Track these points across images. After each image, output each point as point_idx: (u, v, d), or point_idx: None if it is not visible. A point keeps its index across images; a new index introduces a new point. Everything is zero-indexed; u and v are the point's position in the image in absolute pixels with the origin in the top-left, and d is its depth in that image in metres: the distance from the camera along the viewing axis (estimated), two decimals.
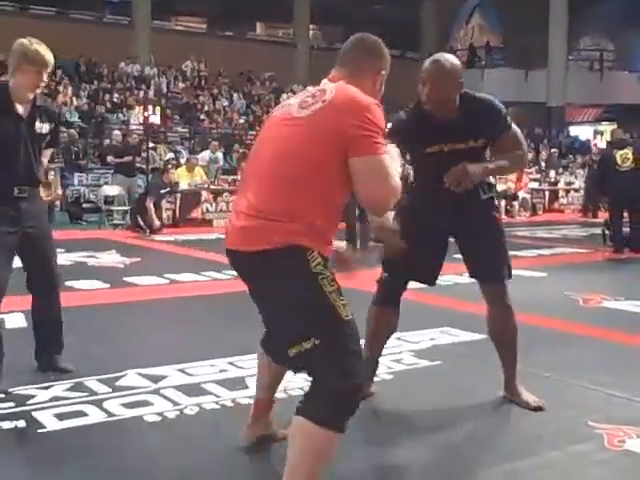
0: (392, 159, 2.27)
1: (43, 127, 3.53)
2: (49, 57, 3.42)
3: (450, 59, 3.07)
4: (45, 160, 3.70)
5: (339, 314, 2.12)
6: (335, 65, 2.42)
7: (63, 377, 3.55)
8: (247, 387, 3.46)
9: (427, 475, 2.66)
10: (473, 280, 3.39)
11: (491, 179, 3.36)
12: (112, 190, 12.41)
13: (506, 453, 2.83)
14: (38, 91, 3.48)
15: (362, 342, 2.25)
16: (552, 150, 20.77)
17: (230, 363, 3.84)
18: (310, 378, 2.17)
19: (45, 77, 3.45)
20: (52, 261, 3.65)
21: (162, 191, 11.34)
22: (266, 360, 2.68)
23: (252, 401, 3.21)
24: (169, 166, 11.94)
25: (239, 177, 14.46)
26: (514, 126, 3.26)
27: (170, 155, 14.55)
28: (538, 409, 3.26)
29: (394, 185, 2.16)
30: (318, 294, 2.11)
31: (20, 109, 3.44)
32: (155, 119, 13.93)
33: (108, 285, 6.31)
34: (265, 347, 2.65)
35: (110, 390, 3.40)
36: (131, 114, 16.71)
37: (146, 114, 13.81)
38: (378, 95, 2.38)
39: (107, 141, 14.09)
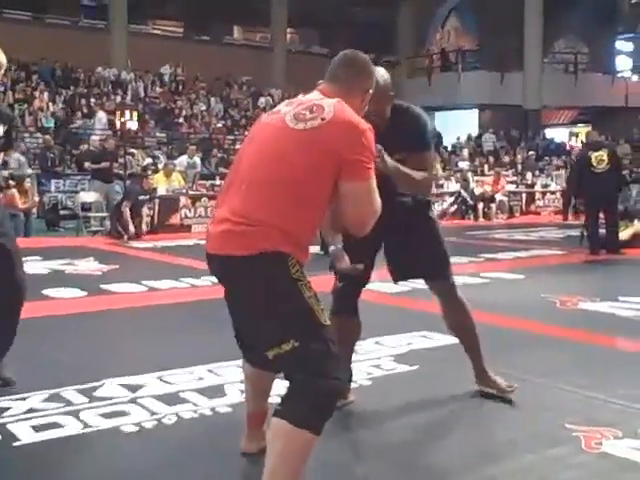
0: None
1: None
2: (1, 58, 3.37)
3: (381, 72, 3.06)
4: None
5: (318, 318, 2.17)
6: (325, 79, 2.46)
7: (40, 387, 3.51)
8: (225, 395, 3.44)
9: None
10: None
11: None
12: (89, 197, 12.31)
13: (483, 457, 2.83)
14: None
15: None
16: (529, 153, 20.91)
17: (209, 370, 3.82)
18: (287, 381, 2.19)
19: None
20: (11, 272, 3.48)
21: (140, 197, 11.27)
22: (250, 372, 2.68)
23: (231, 410, 3.25)
24: (148, 172, 11.88)
25: (217, 182, 14.44)
26: (432, 151, 3.29)
27: (148, 160, 14.49)
28: (512, 391, 3.42)
29: (376, 208, 2.27)
30: (298, 298, 2.17)
31: None
32: (132, 124, 13.87)
33: (85, 293, 6.26)
34: (245, 354, 2.65)
35: (87, 400, 3.36)
36: (97, 119, 16.57)
37: (123, 119, 13.74)
38: (362, 112, 2.43)
39: (84, 147, 13.99)
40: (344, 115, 2.24)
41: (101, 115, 16.11)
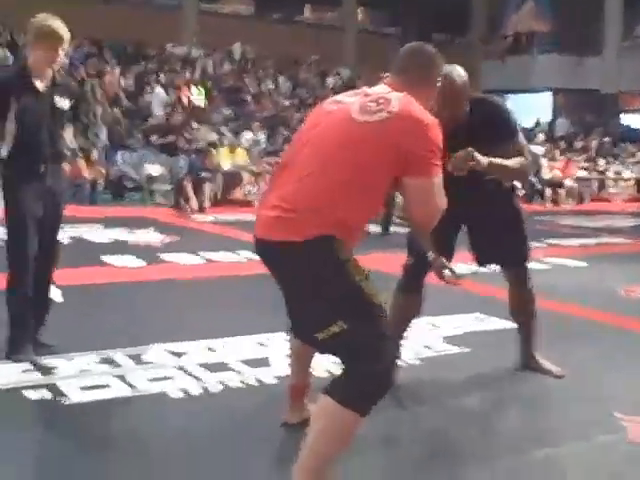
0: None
1: (63, 103, 3.53)
2: (63, 32, 3.42)
3: (459, 71, 3.08)
4: (68, 136, 3.69)
5: (369, 299, 2.13)
6: (391, 71, 2.42)
7: (89, 349, 3.56)
8: (270, 366, 3.45)
9: (444, 461, 2.65)
10: None
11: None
12: (154, 169, 12.48)
13: (530, 442, 2.80)
14: (56, 67, 3.49)
15: None
16: (605, 138, 20.32)
17: (258, 343, 3.84)
18: (339, 361, 2.19)
19: (61, 52, 3.44)
20: (57, 242, 3.63)
21: (202, 174, 11.33)
22: (297, 346, 2.69)
23: (276, 381, 3.25)
24: (211, 149, 11.96)
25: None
26: (521, 136, 3.32)
27: (214, 136, 14.58)
28: (561, 376, 3.46)
29: (440, 206, 2.25)
30: (346, 280, 2.13)
31: (39, 85, 3.45)
32: (199, 101, 13.97)
33: (144, 262, 6.34)
34: (294, 332, 2.64)
35: (134, 363, 3.42)
36: (155, 94, 16.70)
37: (190, 95, 13.85)
38: (429, 105, 2.37)
39: (151, 121, 14.17)
40: (411, 109, 2.20)
41: (158, 91, 16.22)
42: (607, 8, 22.96)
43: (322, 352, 2.41)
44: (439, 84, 2.46)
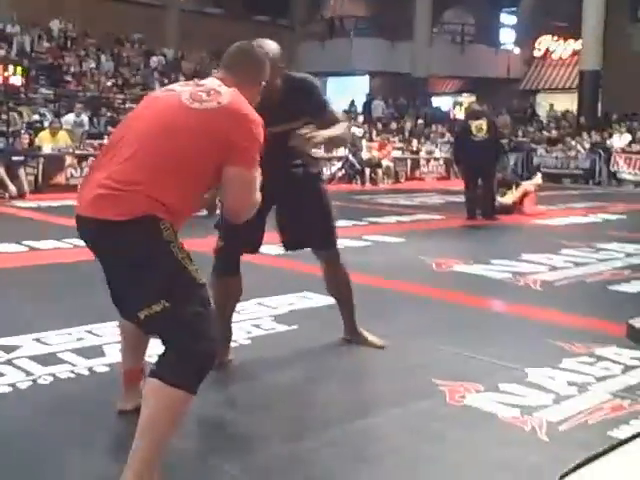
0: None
1: None
2: None
3: (271, 46, 3.18)
4: None
5: (191, 277, 2.21)
6: (221, 67, 2.55)
7: None
8: (104, 355, 3.46)
9: (278, 437, 2.73)
10: None
11: (316, 150, 3.60)
12: None
13: (353, 411, 2.97)
14: None
15: None
16: (418, 120, 21.37)
17: (88, 331, 3.81)
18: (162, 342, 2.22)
19: None
20: None
21: (14, 158, 10.83)
22: (128, 329, 2.69)
23: (109, 369, 3.27)
24: (22, 131, 11.44)
25: (106, 141, 14.03)
26: (330, 103, 3.51)
27: (35, 117, 13.93)
28: (384, 347, 3.71)
29: (256, 200, 2.38)
30: (169, 259, 2.20)
31: None
32: (16, 80, 13.27)
33: None
34: (121, 313, 2.66)
35: None
36: None
37: (6, 74, 13.13)
38: (255, 102, 2.51)
39: None
40: (239, 104, 2.33)
41: None
42: None
43: (146, 332, 2.46)
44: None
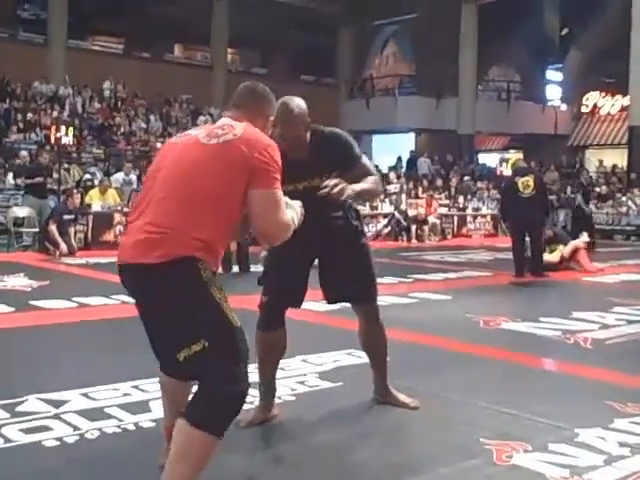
0: (288, 206, 2.50)
1: None
2: None
3: (297, 101, 3.22)
4: None
5: (228, 320, 2.28)
6: (230, 106, 2.67)
7: None
8: (150, 411, 3.47)
9: None
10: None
11: (362, 207, 3.58)
12: (22, 211, 12.13)
13: (399, 470, 2.92)
14: None
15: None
16: (465, 177, 21.38)
17: (134, 387, 3.84)
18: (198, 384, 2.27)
19: None
20: None
21: (65, 217, 11.11)
22: (166, 382, 2.72)
23: (154, 424, 3.28)
24: (74, 190, 11.79)
25: None
26: (364, 156, 3.48)
27: (87, 176, 14.32)
28: (416, 408, 3.60)
29: (286, 219, 2.43)
30: (208, 300, 2.27)
31: None
32: (67, 140, 13.71)
33: (13, 309, 6.19)
34: (161, 363, 2.69)
35: (9, 415, 3.36)
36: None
37: (58, 135, 13.58)
38: (266, 134, 2.59)
39: (17, 161, 13.76)
40: (253, 132, 2.45)
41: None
42: (462, 52, 24.25)
43: (183, 376, 2.47)
44: (275, 114, 2.75)
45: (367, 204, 14.53)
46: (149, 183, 2.48)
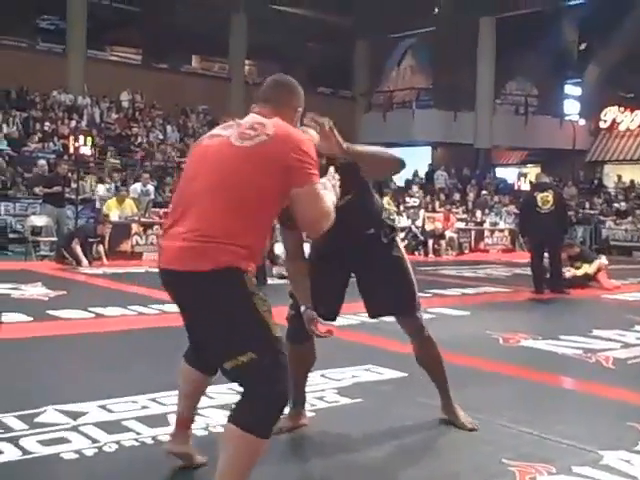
0: (325, 188, 2.51)
1: None
2: None
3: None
4: None
5: (272, 331, 2.34)
6: (258, 101, 2.67)
7: None
8: (169, 424, 3.43)
9: None
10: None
11: (395, 223, 3.57)
12: (40, 220, 12.20)
13: None
14: None
15: None
16: (482, 192, 21.32)
17: (152, 400, 3.82)
18: (241, 389, 2.34)
19: None
20: None
21: (90, 239, 11.12)
22: (188, 372, 2.84)
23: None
24: (104, 217, 11.93)
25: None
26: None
27: (105, 193, 14.32)
28: (473, 430, 3.55)
29: (327, 210, 2.45)
30: (254, 312, 2.32)
31: None
32: (86, 150, 13.79)
33: (31, 318, 6.19)
34: (191, 360, 2.81)
35: (27, 427, 3.34)
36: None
37: (76, 144, 13.66)
38: (294, 127, 2.62)
39: (36, 170, 13.84)
40: (285, 129, 2.46)
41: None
42: (479, 65, 24.22)
43: (230, 379, 2.50)
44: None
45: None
46: (185, 188, 2.49)
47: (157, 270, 2.47)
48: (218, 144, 2.46)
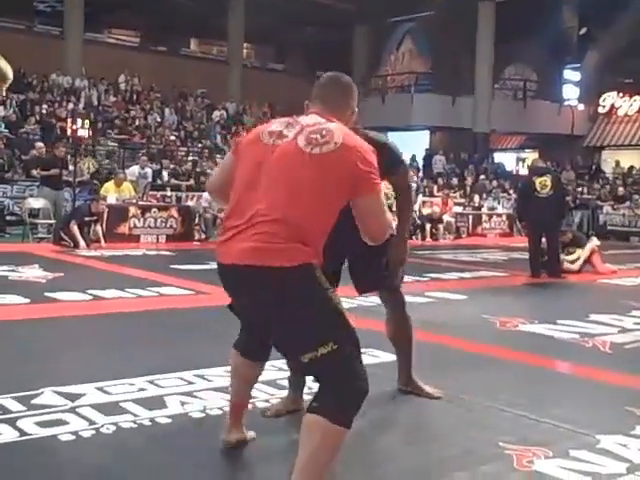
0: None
1: None
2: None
3: None
4: None
5: (348, 322, 2.39)
6: (315, 101, 2.68)
7: None
8: (166, 407, 3.45)
9: None
10: None
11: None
12: (37, 203, 12.17)
13: (416, 475, 2.89)
14: None
15: None
16: (480, 176, 21.30)
17: (149, 382, 3.82)
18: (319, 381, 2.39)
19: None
20: None
21: (87, 219, 11.18)
22: (241, 363, 2.90)
23: (170, 420, 3.26)
24: (99, 195, 11.89)
25: (168, 193, 14.37)
26: (399, 166, 3.58)
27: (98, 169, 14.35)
28: (439, 398, 3.71)
29: (390, 219, 2.57)
30: (331, 304, 2.38)
31: None
32: (83, 132, 13.73)
33: (28, 300, 6.19)
34: (243, 350, 2.88)
35: (25, 408, 3.34)
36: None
37: (74, 127, 13.60)
38: (350, 127, 2.66)
39: (33, 153, 13.80)
40: (352, 138, 2.49)
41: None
42: (478, 50, 24.12)
43: (304, 373, 2.57)
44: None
45: None
46: (249, 189, 2.45)
47: (219, 270, 2.49)
48: (285, 148, 2.46)
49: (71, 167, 13.21)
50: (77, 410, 3.35)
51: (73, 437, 3.04)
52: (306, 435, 2.31)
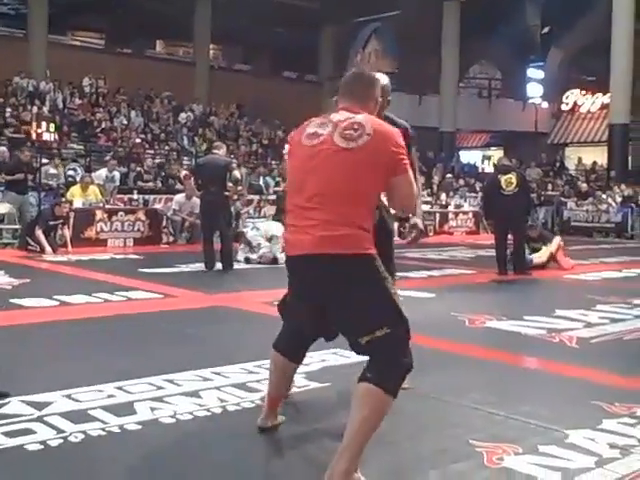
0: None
1: None
2: None
3: (384, 78, 3.67)
4: None
5: (400, 308, 2.72)
6: (342, 97, 2.95)
7: None
8: (135, 412, 3.42)
9: None
10: None
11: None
12: (2, 208, 12.00)
13: (386, 473, 2.91)
14: None
15: None
16: (447, 175, 21.43)
17: (118, 388, 3.78)
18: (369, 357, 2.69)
19: None
20: None
21: (51, 223, 11.07)
22: (281, 360, 3.18)
23: (140, 427, 3.24)
24: (63, 199, 11.74)
25: (135, 196, 14.24)
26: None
27: (69, 172, 14.18)
28: (408, 389, 3.53)
29: (417, 191, 2.96)
30: (388, 292, 2.72)
31: None
32: (48, 136, 13.57)
33: None
34: (282, 349, 3.15)
35: None
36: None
37: (39, 130, 13.43)
38: (375, 115, 2.95)
39: None
40: (380, 126, 2.80)
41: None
42: (444, 49, 24.29)
43: (360, 352, 2.78)
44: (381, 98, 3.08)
45: None
46: (299, 178, 2.80)
47: (287, 261, 2.84)
48: (324, 144, 2.75)
49: (53, 170, 13.01)
50: (44, 419, 3.31)
51: (41, 446, 3.00)
52: (359, 401, 2.62)
